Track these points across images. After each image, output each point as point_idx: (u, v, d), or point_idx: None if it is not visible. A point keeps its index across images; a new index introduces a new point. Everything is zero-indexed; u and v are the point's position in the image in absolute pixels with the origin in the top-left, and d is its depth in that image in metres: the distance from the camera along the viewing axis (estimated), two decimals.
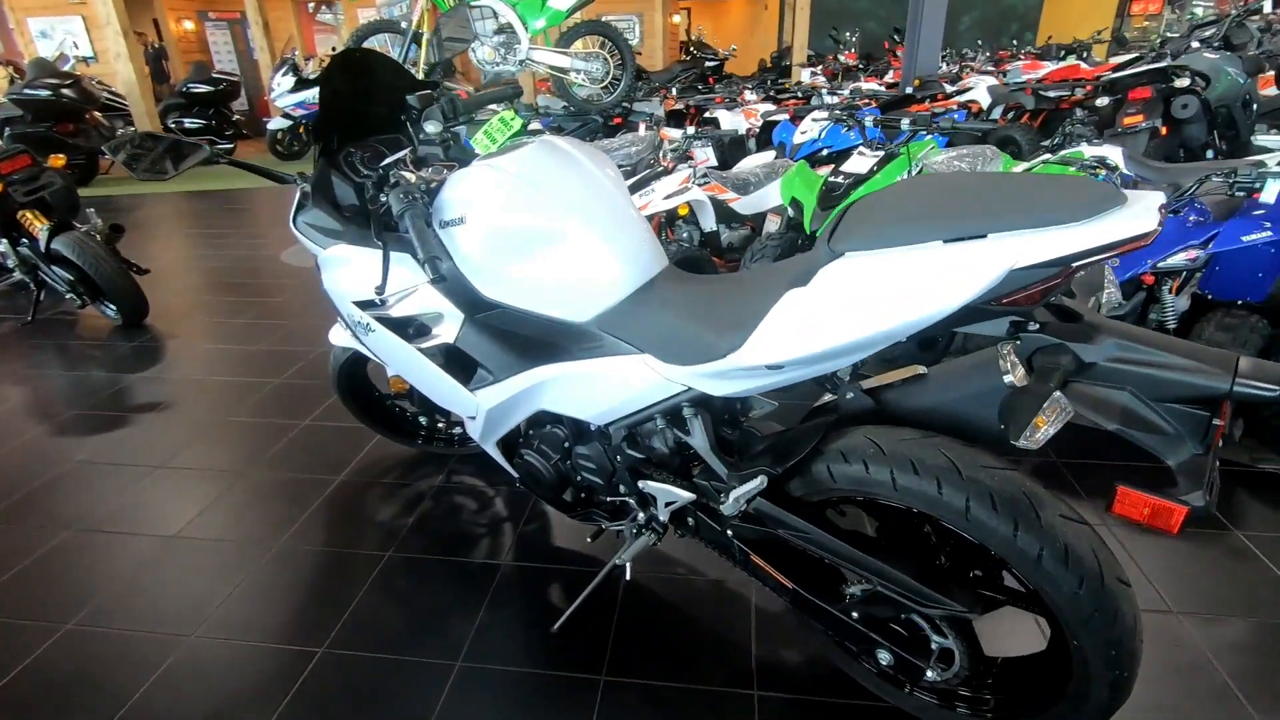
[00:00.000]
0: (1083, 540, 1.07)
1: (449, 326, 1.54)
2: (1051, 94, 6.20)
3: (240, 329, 3.77)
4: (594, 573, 1.90)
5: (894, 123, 3.13)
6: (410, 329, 1.58)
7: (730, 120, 6.66)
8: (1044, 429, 0.86)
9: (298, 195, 1.69)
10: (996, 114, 6.57)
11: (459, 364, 1.57)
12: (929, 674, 1.26)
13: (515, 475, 1.77)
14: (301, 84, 9.12)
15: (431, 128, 1.69)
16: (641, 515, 1.56)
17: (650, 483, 1.47)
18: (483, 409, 1.57)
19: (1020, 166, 3.54)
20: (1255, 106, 4.65)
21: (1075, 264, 0.81)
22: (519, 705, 1.54)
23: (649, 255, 1.40)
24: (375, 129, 1.79)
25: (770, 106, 6.75)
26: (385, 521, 2.15)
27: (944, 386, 1.21)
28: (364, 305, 1.62)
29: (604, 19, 6.49)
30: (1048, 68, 8.51)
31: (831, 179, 3.07)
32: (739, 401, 1.47)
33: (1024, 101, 6.22)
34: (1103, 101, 4.47)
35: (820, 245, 1.03)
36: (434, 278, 1.31)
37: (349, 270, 1.61)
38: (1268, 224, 2.29)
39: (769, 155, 4.20)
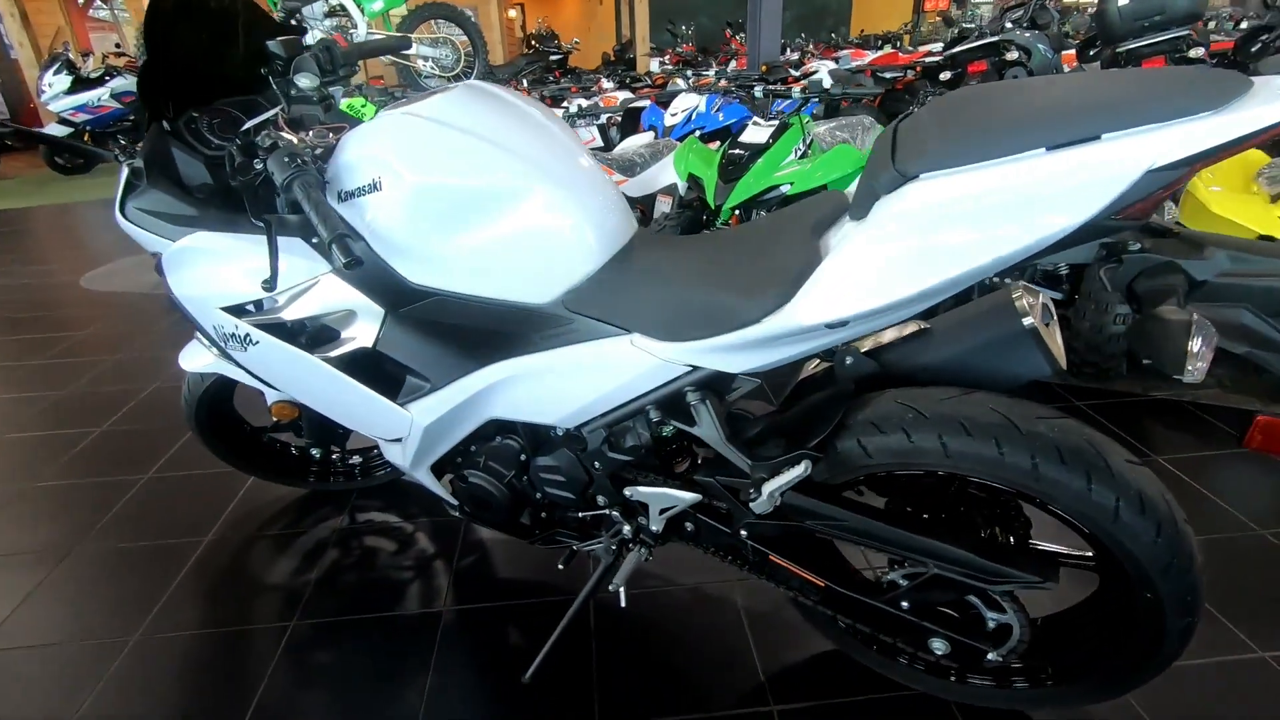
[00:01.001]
0: (1153, 485, 0.98)
1: (364, 327, 1.22)
2: (888, 75, 6.63)
3: (39, 372, 3.03)
4: (555, 604, 1.63)
5: (785, 93, 3.08)
6: (309, 335, 1.23)
7: (586, 106, 6.48)
8: (1199, 357, 0.74)
9: (124, 175, 1.27)
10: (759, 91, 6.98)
11: (380, 374, 1.25)
12: (990, 655, 1.14)
13: (454, 503, 1.46)
14: (80, 84, 7.76)
15: (305, 82, 1.33)
16: (627, 528, 1.32)
17: (640, 488, 1.24)
18: (418, 426, 1.26)
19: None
20: None
21: (1203, 161, 0.70)
22: None
23: (620, 217, 1.16)
24: (223, 88, 1.40)
25: (628, 94, 6.65)
26: (281, 583, 1.74)
27: (953, 339, 1.08)
28: (238, 311, 1.25)
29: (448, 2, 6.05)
30: (871, 55, 9.15)
31: (732, 151, 2.97)
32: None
33: (865, 83, 6.59)
34: (945, 76, 4.76)
35: (877, 171, 0.85)
36: (346, 261, 1.00)
37: (212, 266, 1.23)
38: None
39: (648, 136, 4.05)
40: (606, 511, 1.33)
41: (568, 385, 1.17)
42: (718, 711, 1.36)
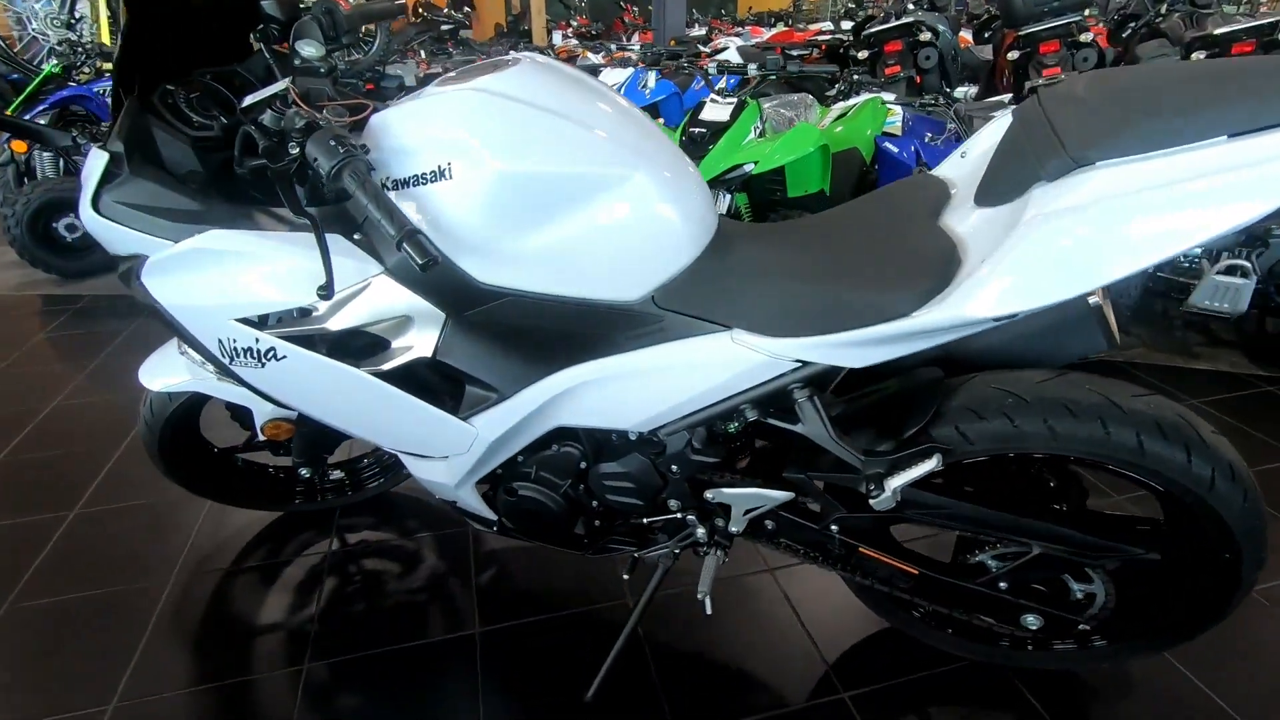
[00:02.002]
0: (1235, 454, 1.03)
1: (422, 334, 1.07)
2: (796, 53, 6.77)
3: None
4: (594, 613, 1.55)
5: (740, 71, 3.05)
6: (353, 347, 1.07)
7: None
8: None
9: (99, 164, 1.04)
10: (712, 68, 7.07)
11: (436, 386, 1.11)
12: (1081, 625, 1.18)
13: (491, 518, 1.34)
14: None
15: (310, 51, 1.16)
16: (701, 531, 1.26)
17: (726, 490, 1.18)
18: (483, 441, 1.13)
19: (833, 112, 3.72)
20: (959, 59, 5.49)
21: None
22: None
23: (709, 205, 1.08)
24: (197, 58, 1.18)
25: None
26: (278, 623, 1.55)
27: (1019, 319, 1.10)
28: (257, 322, 1.06)
29: None
30: (768, 32, 9.34)
31: (692, 129, 2.90)
32: None
33: (774, 60, 6.69)
34: (862, 55, 4.91)
35: (1040, 157, 0.82)
36: (424, 263, 0.87)
37: (225, 271, 1.04)
38: None
39: None
40: (678, 516, 1.26)
41: (654, 387, 1.08)
42: (792, 706, 1.35)
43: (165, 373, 1.40)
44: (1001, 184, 0.89)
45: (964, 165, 1.07)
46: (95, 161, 1.03)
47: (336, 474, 1.85)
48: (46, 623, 1.55)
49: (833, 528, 1.19)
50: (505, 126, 0.94)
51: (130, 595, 1.62)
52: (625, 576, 1.37)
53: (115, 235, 1.07)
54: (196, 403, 1.49)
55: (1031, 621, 1.19)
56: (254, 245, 1.02)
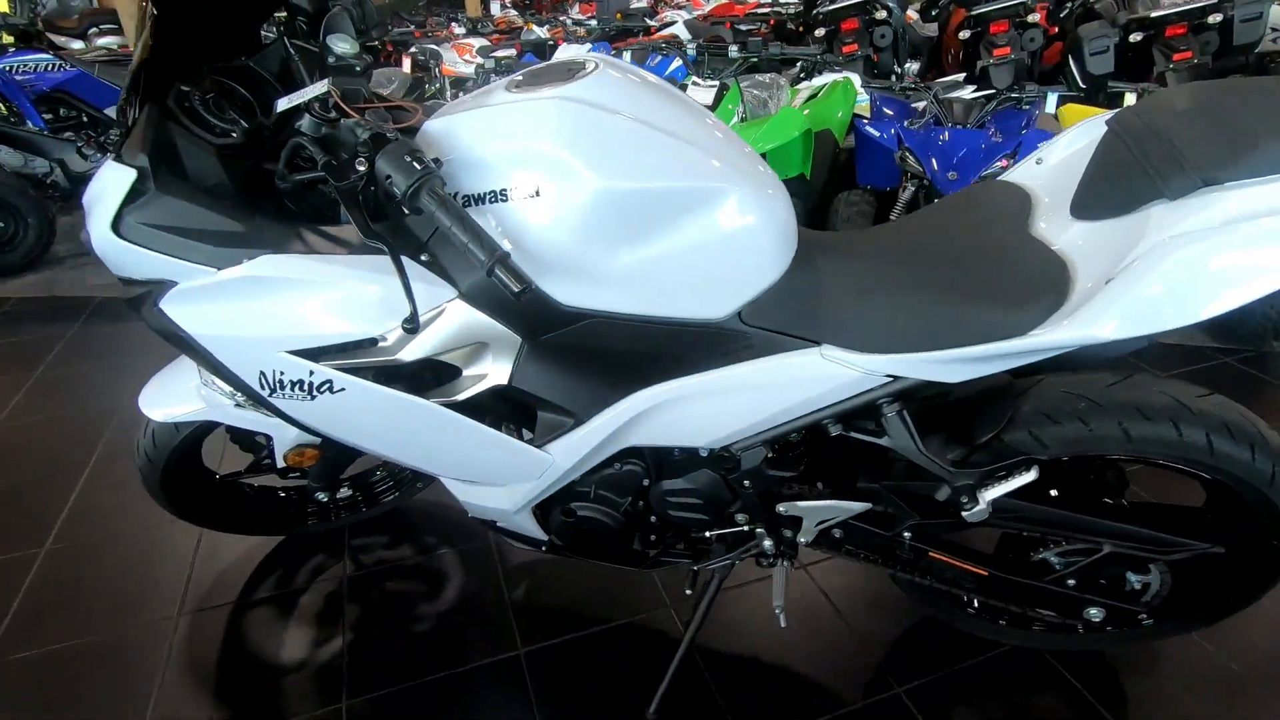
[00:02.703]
0: None
1: (496, 360, 1.00)
2: (744, 27, 6.73)
3: None
4: (638, 625, 1.52)
5: (720, 52, 2.99)
6: (422, 377, 0.99)
7: (448, 58, 5.93)
8: None
9: (121, 180, 0.91)
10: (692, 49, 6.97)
11: (508, 414, 1.05)
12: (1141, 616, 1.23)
13: (543, 539, 1.29)
14: None
15: (344, 46, 1.06)
16: (769, 543, 1.24)
17: (801, 503, 1.16)
18: (558, 468, 1.07)
19: (802, 94, 3.72)
20: (907, 37, 5.58)
21: None
22: None
23: (793, 217, 1.04)
24: (203, 51, 1.06)
25: (484, 42, 6.16)
26: (305, 658, 1.45)
27: None
28: (313, 354, 0.97)
29: None
30: (708, 5, 9.26)
31: None
32: None
33: (724, 35, 6.63)
34: (819, 33, 4.91)
35: (1162, 173, 0.82)
36: (519, 290, 0.81)
37: (277, 301, 0.94)
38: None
39: None
40: (744, 528, 1.24)
41: (736, 405, 1.05)
42: (852, 706, 1.36)
43: (170, 401, 1.27)
44: (1106, 198, 0.89)
45: (1041, 173, 1.07)
46: (114, 178, 0.91)
47: (346, 491, 1.74)
48: (39, 677, 1.41)
49: (905, 535, 1.19)
50: (600, 139, 0.88)
51: (132, 640, 1.49)
52: (688, 592, 1.35)
53: (138, 260, 0.94)
54: (203, 432, 1.36)
55: (1094, 614, 1.23)
56: (314, 272, 0.92)
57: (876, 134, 2.87)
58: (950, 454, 1.08)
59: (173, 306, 0.98)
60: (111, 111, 3.63)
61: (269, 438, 1.32)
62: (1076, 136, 1.05)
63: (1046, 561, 1.22)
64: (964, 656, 1.44)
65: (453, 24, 6.80)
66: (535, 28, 6.65)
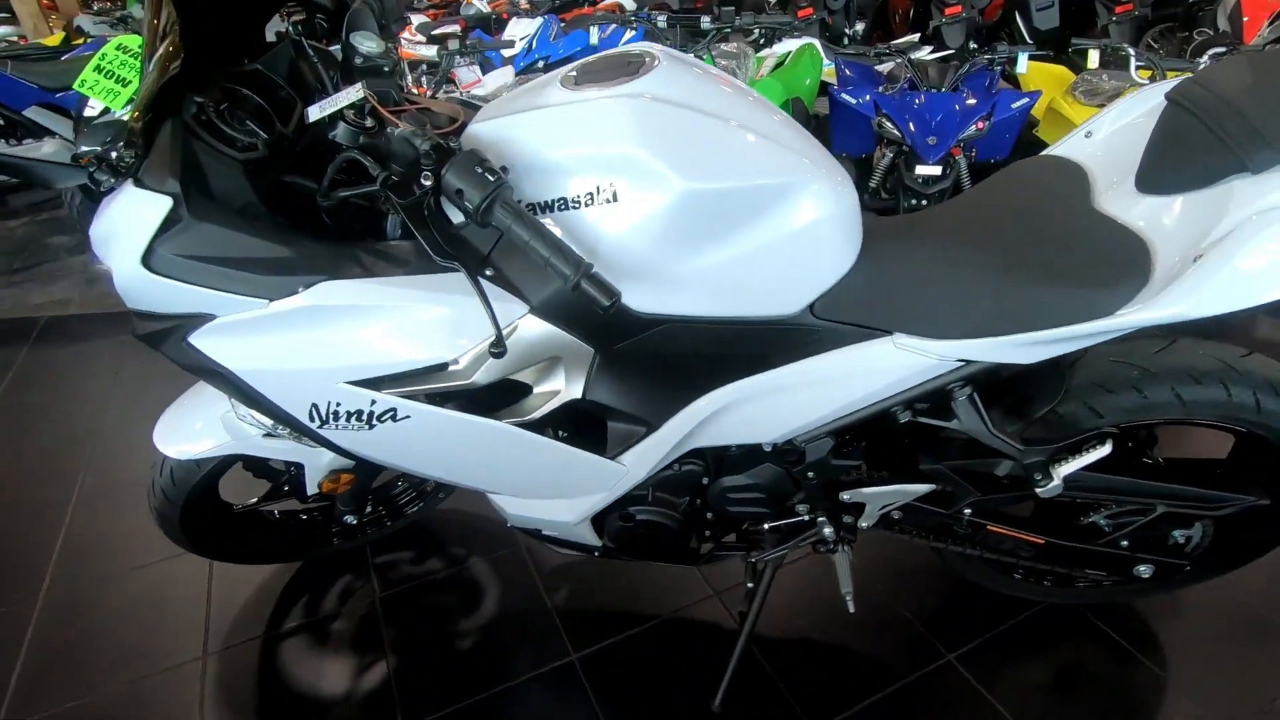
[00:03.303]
0: None
1: (570, 374, 0.96)
2: None
3: None
4: (688, 616, 1.52)
5: (692, 24, 2.91)
6: (493, 397, 0.94)
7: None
8: None
9: (153, 209, 0.81)
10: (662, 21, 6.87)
11: (581, 427, 1.01)
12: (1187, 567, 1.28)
13: (596, 545, 1.27)
14: None
15: (371, 46, 0.98)
16: (829, 530, 1.24)
17: (865, 489, 1.16)
18: (632, 478, 1.04)
19: (768, 61, 3.68)
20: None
21: None
22: None
23: (859, 207, 1.02)
24: (205, 54, 0.96)
25: (423, 18, 5.90)
26: (349, 688, 1.40)
27: None
28: (374, 383, 0.90)
29: None
30: None
31: None
32: None
33: (670, 2, 6.52)
34: (773, 1, 4.87)
35: (1249, 150, 0.82)
36: (609, 304, 0.77)
37: (336, 330, 0.87)
38: (1026, 97, 2.77)
39: (509, 72, 3.64)
40: (804, 518, 1.23)
41: (806, 398, 1.03)
42: (907, 678, 1.39)
43: (190, 437, 1.19)
44: (1179, 172, 0.90)
45: (1093, 147, 1.07)
46: (141, 206, 0.81)
47: (369, 507, 1.67)
48: None
49: (965, 511, 1.21)
50: (681, 138, 0.83)
51: (156, 689, 1.41)
52: (749, 585, 1.34)
53: (172, 295, 0.86)
54: (224, 466, 1.28)
55: (1144, 571, 1.28)
56: (378, 297, 0.85)
57: (853, 101, 2.86)
58: (1009, 428, 1.09)
59: (208, 340, 0.90)
60: (34, 114, 3.32)
61: (299, 466, 1.25)
62: (1127, 108, 1.05)
63: (1096, 525, 1.25)
64: (1004, 618, 1.48)
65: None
66: (474, 1, 6.39)
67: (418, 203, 0.80)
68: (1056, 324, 0.91)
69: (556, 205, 0.86)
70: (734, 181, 0.84)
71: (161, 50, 0.79)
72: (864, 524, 1.23)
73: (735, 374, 1.01)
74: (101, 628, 1.53)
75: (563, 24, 4.70)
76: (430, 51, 3.05)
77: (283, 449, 1.20)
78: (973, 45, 3.56)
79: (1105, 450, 1.04)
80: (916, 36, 4.59)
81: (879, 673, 1.40)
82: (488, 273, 0.89)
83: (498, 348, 0.81)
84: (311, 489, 1.27)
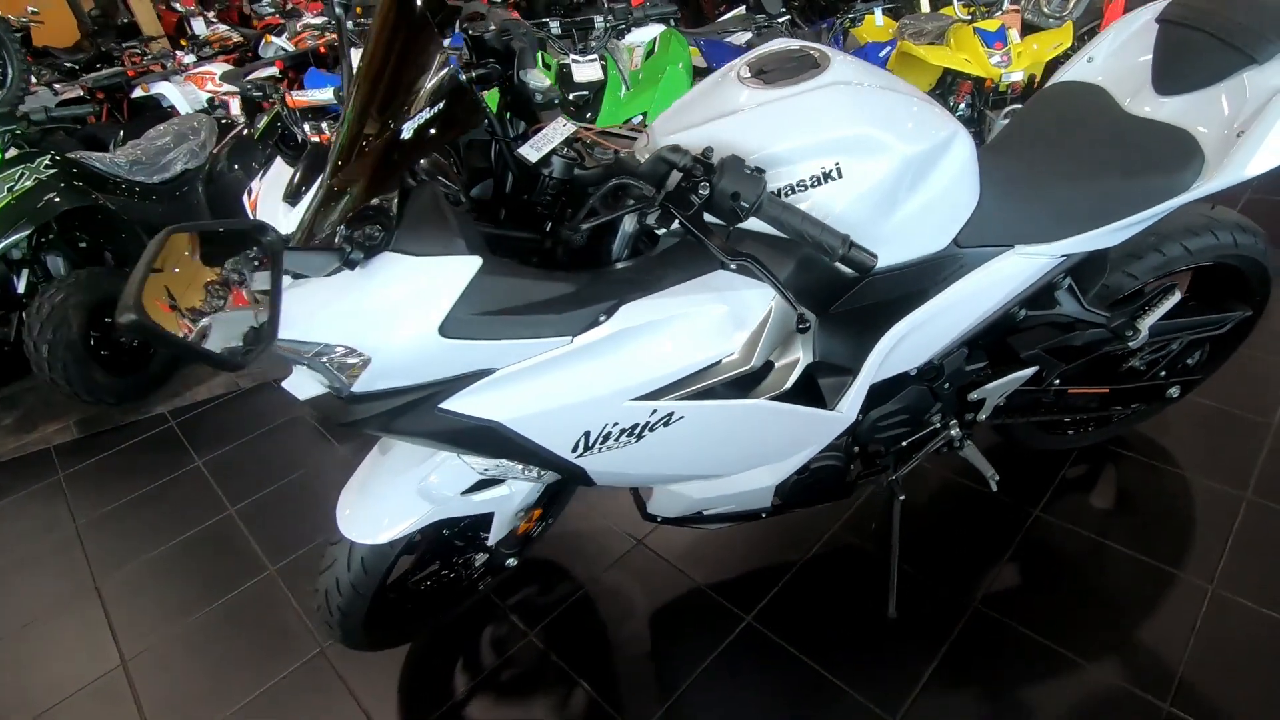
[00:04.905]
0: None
1: (805, 342, 1.06)
2: None
3: None
4: (820, 554, 1.66)
5: (586, 25, 2.97)
6: (752, 379, 1.02)
7: (179, 94, 5.13)
8: None
9: (456, 274, 0.80)
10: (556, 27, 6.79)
11: (806, 390, 1.11)
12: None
13: (765, 507, 1.38)
14: None
15: (540, 83, 1.01)
16: (954, 431, 1.44)
17: (988, 385, 1.37)
18: (845, 422, 1.16)
19: (638, 51, 3.82)
20: None
21: None
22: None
23: None
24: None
25: (226, 66, 5.41)
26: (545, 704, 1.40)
27: None
28: (655, 393, 0.95)
29: None
30: None
31: (577, 93, 2.81)
32: None
33: (622, 9, 6.47)
34: None
35: (1253, 45, 1.08)
36: (869, 267, 0.90)
37: (628, 350, 0.91)
38: (887, 45, 3.16)
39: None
40: (935, 426, 1.42)
41: (952, 319, 1.21)
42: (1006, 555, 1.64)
43: (384, 516, 1.13)
44: (1193, 73, 1.16)
45: (1098, 69, 1.33)
46: (443, 272, 0.79)
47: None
48: None
49: (1055, 382, 1.45)
50: (890, 113, 0.95)
51: None
52: (901, 497, 1.49)
53: (459, 357, 0.85)
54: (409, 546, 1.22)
55: (1174, 392, 1.61)
56: (669, 309, 0.90)
57: None
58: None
59: (469, 400, 0.90)
60: None
61: (490, 515, 1.23)
62: (1117, 33, 1.32)
63: (1134, 367, 1.56)
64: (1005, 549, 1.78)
65: (178, 53, 5.80)
66: (274, 39, 5.92)
67: (699, 214, 0.86)
68: (1142, 209, 1.15)
69: (783, 192, 0.95)
70: (929, 141, 0.99)
71: (431, 114, 0.78)
72: (983, 417, 1.44)
73: (904, 311, 1.16)
74: None
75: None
76: (324, 95, 2.84)
77: (476, 502, 1.18)
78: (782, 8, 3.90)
79: (1176, 298, 1.32)
80: (743, 8, 4.96)
81: (997, 546, 1.63)
82: (732, 267, 0.97)
83: (803, 324, 0.90)
84: (499, 535, 1.26)
